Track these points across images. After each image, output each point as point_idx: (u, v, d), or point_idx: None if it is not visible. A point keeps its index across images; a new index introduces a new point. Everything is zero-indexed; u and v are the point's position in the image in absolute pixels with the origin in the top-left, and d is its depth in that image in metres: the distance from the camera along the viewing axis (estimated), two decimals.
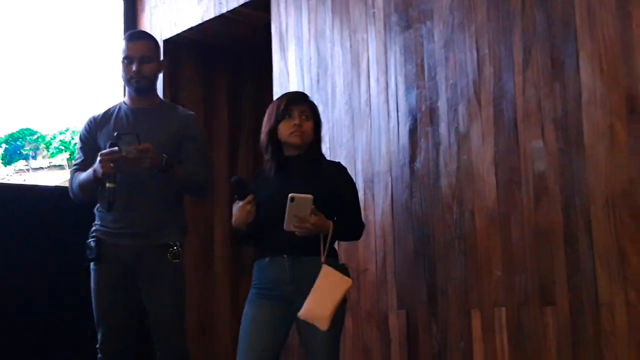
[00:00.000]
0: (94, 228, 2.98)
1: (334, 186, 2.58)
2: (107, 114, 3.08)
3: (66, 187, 3.13)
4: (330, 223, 2.46)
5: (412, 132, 3.04)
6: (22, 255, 3.83)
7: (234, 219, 2.54)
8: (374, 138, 3.19)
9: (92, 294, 2.95)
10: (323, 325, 2.39)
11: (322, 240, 2.45)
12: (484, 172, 2.78)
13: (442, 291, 2.87)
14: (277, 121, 2.61)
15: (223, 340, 4.41)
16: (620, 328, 2.37)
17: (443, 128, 2.93)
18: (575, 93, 2.53)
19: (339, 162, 2.76)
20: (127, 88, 3.09)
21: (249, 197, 2.49)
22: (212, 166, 4.40)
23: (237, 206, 2.52)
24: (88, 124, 3.09)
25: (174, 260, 2.89)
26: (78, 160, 3.09)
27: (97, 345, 2.94)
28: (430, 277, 2.91)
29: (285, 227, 2.40)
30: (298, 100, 2.65)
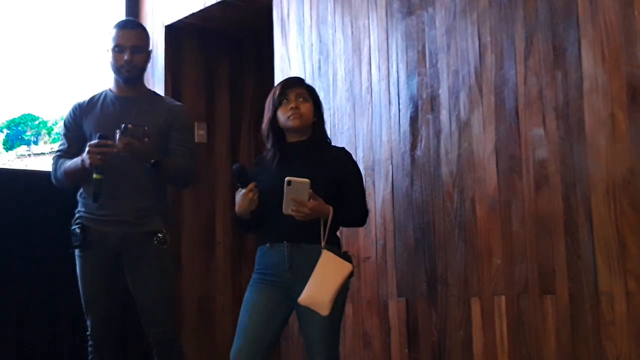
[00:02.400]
0: (77, 215, 2.98)
1: (337, 172, 2.57)
2: (93, 101, 3.06)
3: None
4: (330, 208, 2.45)
5: (413, 120, 3.03)
6: (22, 239, 3.83)
7: (237, 207, 2.53)
8: (375, 125, 3.18)
9: (79, 281, 2.96)
10: (323, 310, 2.39)
11: (322, 226, 2.45)
12: (484, 160, 2.77)
13: (442, 279, 2.87)
14: (275, 108, 2.60)
15: (223, 326, 4.42)
16: (619, 317, 2.37)
17: (444, 116, 2.92)
18: (577, 81, 2.52)
19: (343, 148, 2.74)
20: (114, 76, 3.05)
21: (251, 185, 2.49)
22: (212, 150, 4.42)
23: (239, 194, 2.51)
24: (73, 111, 3.07)
25: (161, 247, 2.90)
26: (62, 147, 3.07)
27: (87, 332, 2.95)
28: (431, 265, 2.91)
29: (283, 210, 2.40)
30: (293, 84, 2.64)
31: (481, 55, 2.81)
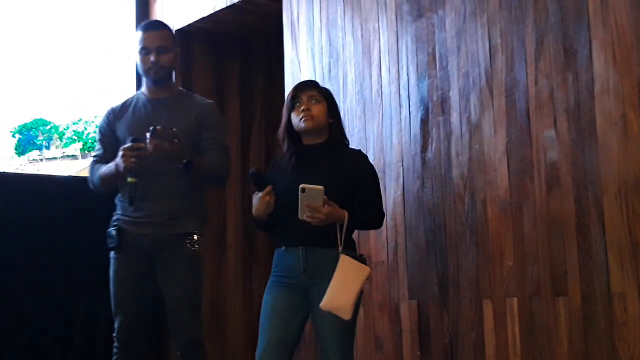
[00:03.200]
0: (115, 217, 3.00)
1: (353, 174, 2.57)
2: (125, 105, 3.09)
3: (80, 177, 3.16)
4: (345, 212, 2.45)
5: (424, 122, 3.03)
6: (34, 245, 3.85)
7: (253, 209, 2.55)
8: (386, 128, 3.18)
9: (111, 283, 2.97)
10: (346, 314, 2.40)
11: (338, 230, 2.46)
12: (495, 162, 2.77)
13: (453, 281, 2.87)
14: (289, 113, 2.62)
15: (234, 328, 4.44)
16: (632, 318, 2.36)
17: (455, 118, 2.92)
18: (588, 83, 2.52)
19: (359, 150, 2.74)
20: (144, 79, 3.08)
21: (268, 188, 2.51)
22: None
23: (256, 197, 2.53)
24: (107, 116, 3.10)
25: (193, 248, 2.91)
26: (97, 152, 3.10)
27: (114, 334, 2.96)
28: (442, 267, 2.91)
29: (299, 216, 2.42)
30: (306, 87, 2.65)
31: (492, 57, 2.81)
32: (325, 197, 2.39)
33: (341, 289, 2.40)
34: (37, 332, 3.84)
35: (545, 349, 2.58)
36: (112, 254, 2.97)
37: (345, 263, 2.43)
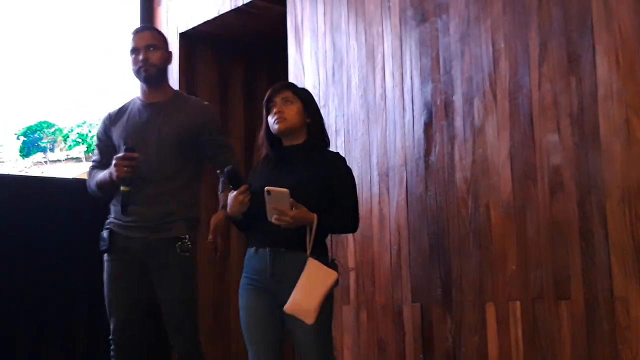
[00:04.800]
0: (108, 220, 3.02)
1: (328, 175, 2.55)
2: (122, 110, 3.10)
3: (84, 180, 3.18)
4: (314, 216, 2.43)
5: (427, 126, 3.04)
6: (39, 247, 3.87)
7: (228, 208, 2.56)
8: (389, 132, 3.19)
9: (105, 285, 2.99)
10: (309, 319, 2.38)
11: (307, 234, 2.45)
12: (499, 166, 2.77)
13: (456, 285, 2.87)
14: (267, 116, 2.63)
15: (237, 331, 4.40)
16: (635, 322, 2.37)
17: (458, 122, 2.93)
18: (592, 87, 2.52)
19: (336, 153, 2.73)
20: (139, 82, 3.09)
21: (242, 188, 2.51)
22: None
23: (231, 196, 2.53)
24: (104, 122, 3.13)
25: (183, 253, 2.92)
26: (95, 158, 3.13)
27: (110, 336, 2.98)
28: (445, 270, 2.92)
29: (268, 218, 2.43)
30: (279, 89, 2.64)
31: (495, 62, 2.82)
32: (292, 200, 2.39)
33: (305, 293, 2.39)
34: (41, 332, 3.85)
35: (548, 352, 2.58)
36: (105, 256, 2.99)
37: (311, 267, 2.42)
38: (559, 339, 2.56)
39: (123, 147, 2.85)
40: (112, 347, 2.97)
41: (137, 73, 3.03)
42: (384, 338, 3.14)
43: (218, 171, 3.07)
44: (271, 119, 2.60)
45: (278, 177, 2.52)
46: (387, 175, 3.16)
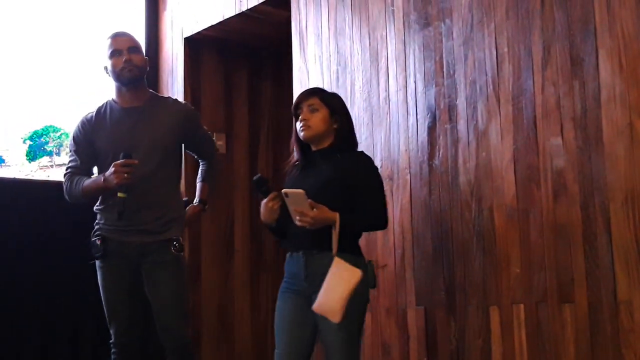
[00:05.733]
0: (97, 227, 3.03)
1: (350, 176, 2.57)
2: (100, 115, 3.08)
3: None
4: (336, 215, 2.46)
5: (431, 130, 3.04)
6: (45, 251, 3.88)
7: (261, 215, 2.60)
8: (393, 135, 3.20)
9: (101, 291, 3.01)
10: (335, 317, 2.40)
11: (334, 234, 2.47)
12: (502, 169, 2.78)
13: (460, 288, 2.88)
14: (295, 122, 2.68)
15: (242, 334, 4.45)
16: (639, 325, 2.36)
17: (462, 125, 2.93)
18: (595, 91, 2.53)
19: (361, 152, 2.75)
20: (116, 84, 3.07)
21: (272, 195, 2.54)
22: (230, 160, 4.47)
23: (262, 204, 2.58)
24: (82, 126, 3.09)
25: (178, 253, 2.97)
26: (73, 164, 3.08)
27: (111, 341, 2.99)
28: (449, 273, 2.92)
29: (293, 221, 2.46)
30: (306, 96, 2.69)
31: (498, 66, 2.83)
32: (310, 200, 2.42)
33: (330, 292, 2.41)
34: (48, 336, 3.86)
35: (552, 355, 2.58)
36: (97, 262, 3.00)
37: (336, 266, 2.44)
38: (562, 342, 2.56)
39: (121, 154, 2.85)
40: (113, 350, 2.99)
41: (120, 74, 3.01)
42: (388, 341, 3.14)
43: (201, 161, 3.28)
44: (298, 126, 2.65)
45: (304, 180, 2.58)
46: (391, 179, 3.17)
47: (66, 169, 3.09)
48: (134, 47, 3.05)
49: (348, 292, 2.41)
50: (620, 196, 2.43)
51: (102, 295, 3.01)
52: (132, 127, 3.00)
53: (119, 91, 3.08)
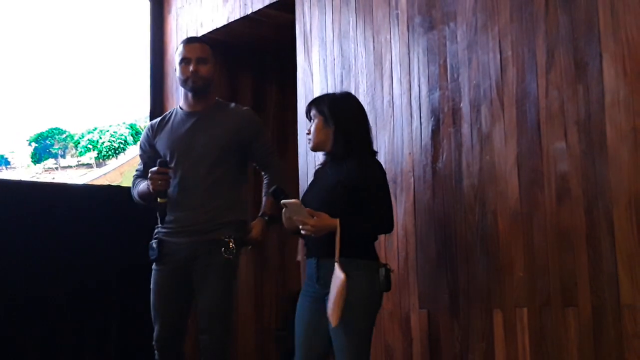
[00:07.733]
0: (156, 230, 3.08)
1: (351, 181, 2.57)
2: (164, 121, 3.18)
3: (94, 186, 3.24)
4: (336, 221, 2.47)
5: (435, 133, 3.05)
6: (47, 253, 3.89)
7: (285, 224, 2.67)
8: (397, 139, 3.20)
9: (152, 293, 3.04)
10: (332, 321, 2.44)
11: (337, 240, 2.48)
12: (506, 173, 2.78)
13: (464, 291, 2.88)
14: None
15: (245, 336, 4.45)
16: None
17: (466, 129, 2.94)
18: (599, 95, 2.53)
19: (363, 156, 2.71)
20: (183, 90, 3.14)
21: None
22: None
23: (282, 213, 2.63)
24: (146, 132, 3.22)
25: (228, 257, 2.95)
26: (139, 168, 3.22)
27: (153, 342, 3.01)
28: (452, 277, 2.92)
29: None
30: (307, 106, 2.75)
31: (502, 69, 2.83)
32: (308, 209, 2.47)
33: (330, 297, 2.45)
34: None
35: (555, 359, 2.58)
36: (153, 265, 3.05)
37: (335, 271, 2.46)
38: (566, 346, 2.56)
39: (158, 161, 2.92)
40: (155, 352, 3.02)
41: (185, 82, 3.09)
42: (391, 344, 3.14)
43: (264, 174, 3.19)
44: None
45: (313, 185, 2.70)
46: (395, 182, 3.17)
47: (134, 173, 3.22)
48: (203, 58, 3.07)
49: (335, 296, 2.42)
50: (624, 200, 2.43)
51: (151, 297, 3.04)
52: (190, 128, 3.07)
53: (185, 95, 3.16)
